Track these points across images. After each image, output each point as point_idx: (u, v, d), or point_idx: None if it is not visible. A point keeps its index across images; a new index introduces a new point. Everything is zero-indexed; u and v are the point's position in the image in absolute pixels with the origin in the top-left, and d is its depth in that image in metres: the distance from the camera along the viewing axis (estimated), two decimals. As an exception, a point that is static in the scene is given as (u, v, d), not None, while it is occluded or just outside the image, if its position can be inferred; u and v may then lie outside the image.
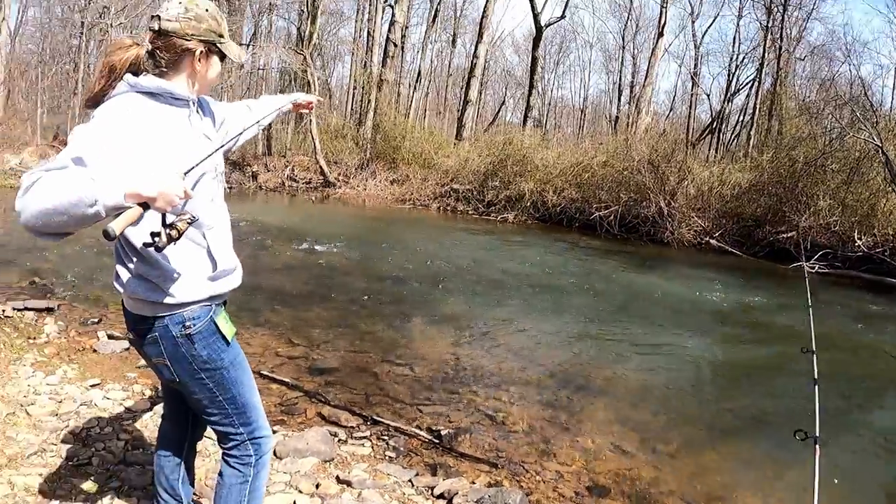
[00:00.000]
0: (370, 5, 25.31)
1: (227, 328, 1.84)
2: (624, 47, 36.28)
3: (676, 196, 14.00)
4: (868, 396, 5.32)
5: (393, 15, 22.57)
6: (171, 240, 1.52)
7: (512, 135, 18.44)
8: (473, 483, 3.18)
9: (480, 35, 23.06)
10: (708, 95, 32.78)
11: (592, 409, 4.43)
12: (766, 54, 21.64)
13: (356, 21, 28.93)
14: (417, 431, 3.74)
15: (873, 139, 11.75)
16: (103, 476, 2.76)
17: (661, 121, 28.54)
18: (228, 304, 1.98)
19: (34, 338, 4.75)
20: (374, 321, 6.22)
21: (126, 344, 4.69)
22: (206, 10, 1.72)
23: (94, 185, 1.35)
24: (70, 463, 2.84)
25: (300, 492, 2.86)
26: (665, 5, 23.44)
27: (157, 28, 1.68)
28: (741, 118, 27.45)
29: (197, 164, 1.61)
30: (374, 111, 21.71)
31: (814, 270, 10.63)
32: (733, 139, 27.59)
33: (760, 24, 23.52)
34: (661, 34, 23.73)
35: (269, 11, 27.14)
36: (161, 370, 1.84)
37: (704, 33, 48.39)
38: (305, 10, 24.03)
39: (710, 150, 24.82)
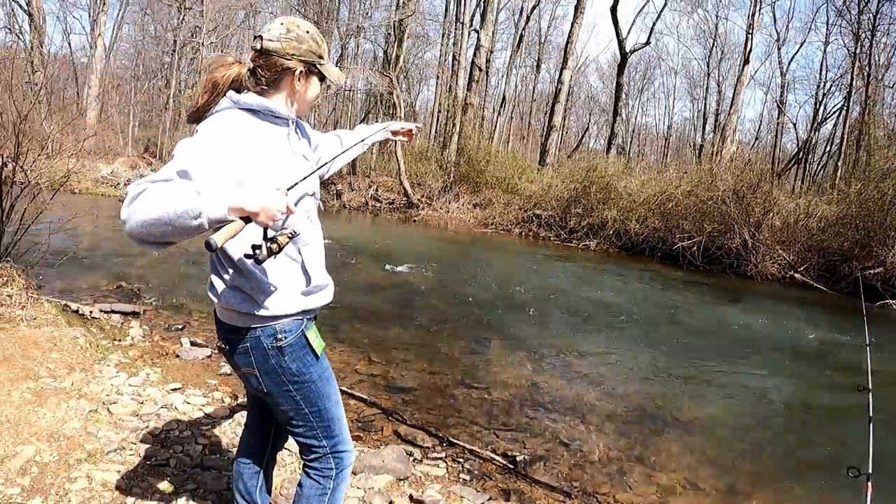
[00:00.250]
0: (456, 30, 25.66)
1: (317, 342, 1.86)
2: (709, 74, 35.49)
3: (761, 228, 13.67)
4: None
5: (478, 39, 22.85)
6: (271, 253, 1.55)
7: (595, 161, 18.18)
8: (545, 511, 3.12)
9: (565, 60, 23.09)
10: (794, 124, 31.76)
11: (667, 443, 4.35)
12: (854, 82, 20.61)
13: (441, 45, 29.45)
14: (493, 455, 3.67)
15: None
16: (180, 478, 2.80)
17: (747, 150, 27.90)
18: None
19: (119, 340, 4.89)
20: (454, 343, 6.21)
21: (208, 351, 4.80)
22: (307, 32, 1.77)
23: (199, 199, 1.38)
24: (148, 462, 2.89)
25: (373, 509, 2.83)
26: (751, 31, 23.02)
27: (259, 47, 1.73)
28: (829, 147, 26.21)
29: (299, 182, 1.64)
30: (458, 135, 21.97)
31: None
32: (820, 169, 26.39)
33: (848, 50, 22.69)
34: (746, 61, 23.17)
35: (356, 34, 27.95)
36: (249, 379, 1.87)
37: (791, 60, 47.01)
38: (392, 33, 24.76)
39: (795, 180, 23.90)
